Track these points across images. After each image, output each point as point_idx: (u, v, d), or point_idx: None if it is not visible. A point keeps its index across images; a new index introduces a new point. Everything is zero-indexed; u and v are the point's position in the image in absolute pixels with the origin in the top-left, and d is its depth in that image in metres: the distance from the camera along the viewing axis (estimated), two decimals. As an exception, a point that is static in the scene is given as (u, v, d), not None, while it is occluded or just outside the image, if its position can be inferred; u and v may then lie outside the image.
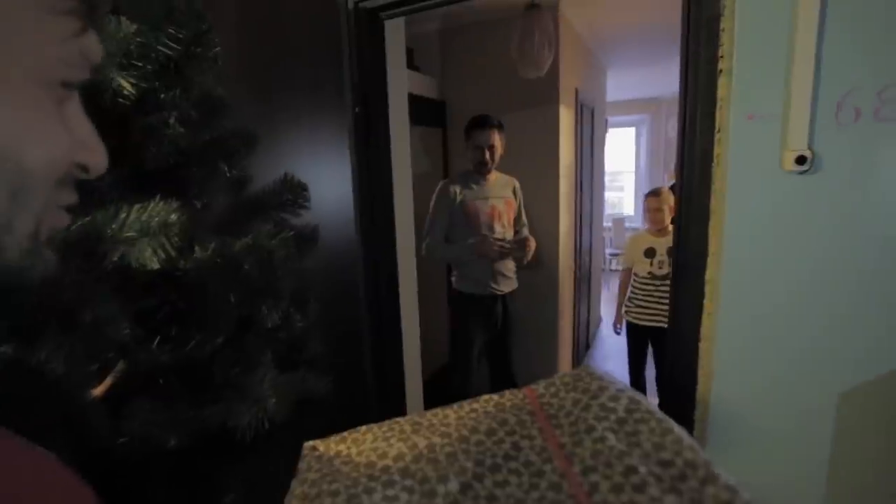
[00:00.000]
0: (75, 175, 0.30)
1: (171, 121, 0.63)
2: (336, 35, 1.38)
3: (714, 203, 1.02)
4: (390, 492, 0.40)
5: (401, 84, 1.62)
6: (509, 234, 2.24)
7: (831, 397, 0.92)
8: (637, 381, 2.71)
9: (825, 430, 0.95)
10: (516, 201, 2.31)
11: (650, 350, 2.55)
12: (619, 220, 6.37)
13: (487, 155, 2.12)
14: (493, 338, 2.30)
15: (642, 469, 0.36)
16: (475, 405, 0.51)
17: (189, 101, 0.67)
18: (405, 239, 1.64)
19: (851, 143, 0.86)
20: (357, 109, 1.40)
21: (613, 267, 6.31)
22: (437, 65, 2.88)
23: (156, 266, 0.57)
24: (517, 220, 2.33)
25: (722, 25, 0.96)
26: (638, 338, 2.57)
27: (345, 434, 0.54)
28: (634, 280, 2.53)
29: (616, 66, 4.15)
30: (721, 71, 0.98)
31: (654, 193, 2.46)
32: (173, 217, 0.59)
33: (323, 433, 0.75)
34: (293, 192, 0.89)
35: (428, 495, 0.39)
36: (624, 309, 2.62)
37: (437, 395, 2.59)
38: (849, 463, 0.94)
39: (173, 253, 0.57)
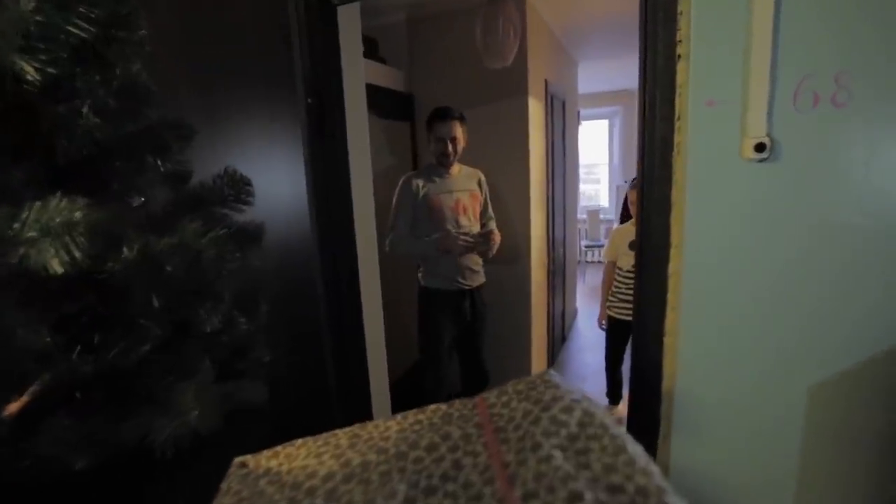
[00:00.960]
0: None
1: (85, 110, 0.55)
2: (285, 22, 1.31)
3: (675, 193, 0.99)
4: None
5: (357, 74, 1.55)
6: (476, 228, 2.21)
7: (798, 389, 0.91)
8: (613, 376, 2.70)
9: (793, 423, 0.93)
10: (482, 194, 2.27)
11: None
12: (593, 212, 6.40)
13: (450, 147, 2.08)
14: (463, 333, 2.27)
15: (588, 496, 0.31)
16: (421, 416, 0.47)
17: (108, 90, 0.60)
18: (366, 234, 1.58)
19: (810, 130, 0.83)
20: (309, 100, 1.33)
21: (589, 259, 6.34)
22: (404, 57, 2.81)
23: (59, 269, 0.50)
24: (483, 213, 2.29)
25: (679, 8, 0.93)
26: (619, 332, 2.53)
27: (278, 448, 0.49)
28: (618, 274, 2.49)
29: (587, 58, 4.14)
30: (680, 56, 0.94)
31: (635, 186, 2.42)
32: (77, 215, 0.52)
33: (267, 445, 0.69)
34: (235, 187, 0.82)
35: None
36: (607, 303, 2.57)
37: (411, 393, 2.55)
38: (818, 455, 0.92)
39: (78, 254, 0.51)
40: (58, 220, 0.50)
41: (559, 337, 3.78)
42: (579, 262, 5.68)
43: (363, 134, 1.58)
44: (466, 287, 2.20)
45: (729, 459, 1.02)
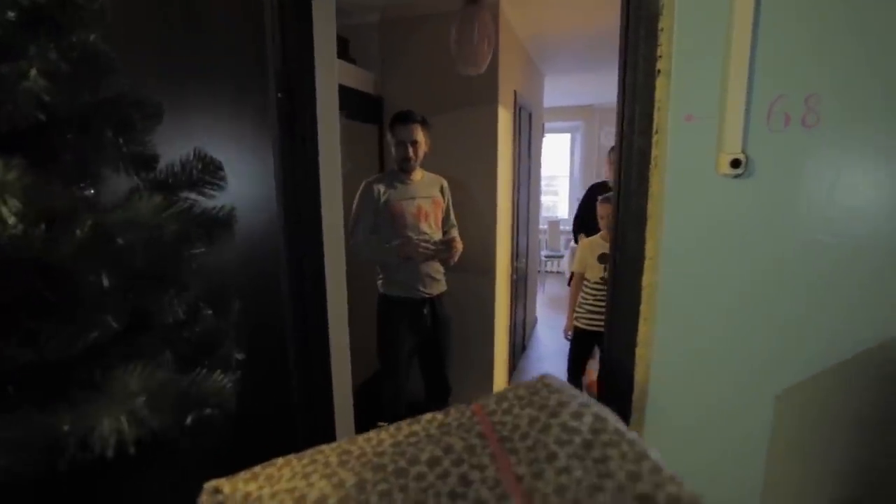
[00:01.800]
0: None
1: (33, 73, 0.48)
2: (259, 10, 1.25)
3: (651, 206, 1.00)
4: None
5: (331, 72, 1.50)
6: (437, 235, 2.18)
7: (766, 398, 0.93)
8: (575, 384, 2.74)
9: (762, 431, 0.95)
10: (444, 201, 2.25)
11: (593, 355, 2.58)
12: (554, 223, 6.53)
13: (411, 151, 2.05)
14: (423, 342, 2.23)
15: None
16: (416, 427, 0.43)
17: (62, 56, 0.53)
18: (333, 236, 1.52)
19: (781, 149, 0.86)
20: (280, 95, 1.27)
21: (549, 269, 6.46)
22: (375, 59, 2.76)
23: None
24: (445, 220, 2.27)
25: (661, 25, 0.95)
26: (584, 343, 2.58)
27: (256, 469, 0.43)
28: (585, 285, 2.53)
29: (553, 72, 4.23)
30: (660, 71, 0.96)
31: (608, 200, 2.46)
32: (11, 176, 0.44)
33: (228, 454, 0.63)
34: (206, 170, 0.75)
35: None
36: (574, 314, 2.60)
37: (370, 403, 2.48)
38: (785, 462, 0.95)
39: (11, 220, 0.43)
40: None
41: (520, 346, 3.81)
42: (539, 271, 5.78)
43: (334, 134, 1.53)
44: (426, 295, 2.17)
45: (698, 468, 1.04)
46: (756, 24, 0.84)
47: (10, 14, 0.50)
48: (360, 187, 2.12)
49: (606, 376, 1.16)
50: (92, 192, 0.55)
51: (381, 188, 2.09)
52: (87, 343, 0.50)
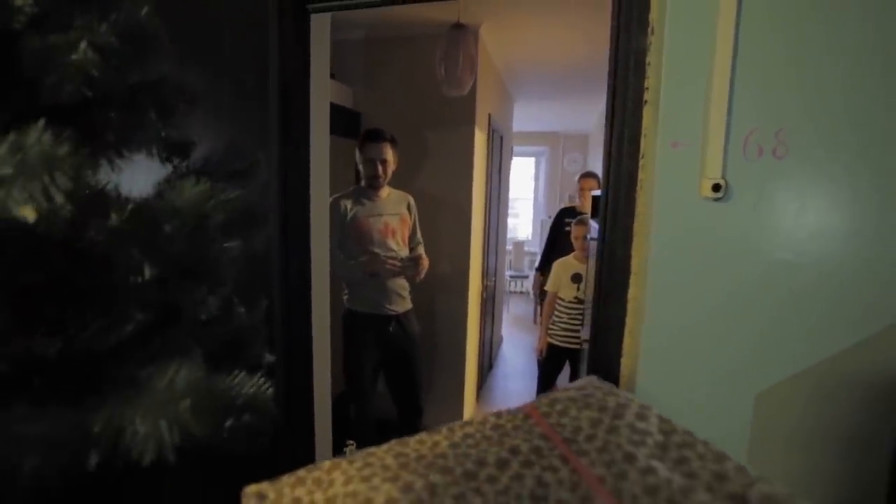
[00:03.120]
0: None
1: (83, 45, 0.45)
2: (263, 20, 1.26)
3: (636, 225, 1.07)
4: None
5: (323, 85, 1.52)
6: (404, 252, 2.21)
7: (746, 399, 1.00)
8: None
9: (742, 432, 1.02)
10: (411, 218, 2.29)
11: (562, 372, 2.64)
12: (519, 244, 6.68)
13: (380, 169, 2.09)
14: (390, 360, 2.23)
15: None
16: (468, 429, 0.42)
17: (111, 29, 0.49)
18: (320, 248, 1.52)
19: (755, 176, 0.95)
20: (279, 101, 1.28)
21: (513, 288, 6.57)
22: (355, 75, 2.80)
23: (31, 218, 0.38)
24: (412, 237, 2.30)
25: (648, 59, 1.03)
26: (557, 359, 2.65)
27: (301, 473, 0.41)
28: (559, 304, 2.61)
29: (523, 97, 4.40)
30: (646, 101, 1.04)
31: (581, 222, 2.56)
32: (63, 150, 0.39)
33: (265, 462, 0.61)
34: (242, 161, 0.72)
35: None
36: (548, 332, 2.67)
37: (337, 421, 2.43)
38: (765, 460, 1.02)
39: (59, 199, 0.40)
40: (35, 151, 0.39)
41: (487, 364, 3.84)
42: (505, 291, 5.87)
43: (324, 147, 1.54)
44: (392, 312, 2.17)
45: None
46: (734, 63, 0.93)
47: None
48: (328, 203, 2.12)
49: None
50: (132, 171, 0.53)
51: (349, 204, 2.11)
52: (120, 336, 0.49)
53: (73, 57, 0.45)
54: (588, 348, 1.24)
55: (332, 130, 2.66)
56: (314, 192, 1.45)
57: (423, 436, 0.43)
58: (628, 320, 1.10)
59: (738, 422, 1.01)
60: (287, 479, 0.41)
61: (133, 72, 0.50)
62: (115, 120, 0.50)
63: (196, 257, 0.51)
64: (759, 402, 0.99)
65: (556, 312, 2.63)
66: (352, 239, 2.10)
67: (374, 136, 2.07)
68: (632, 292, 1.09)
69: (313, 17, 1.39)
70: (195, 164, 0.65)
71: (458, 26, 2.04)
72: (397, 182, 2.29)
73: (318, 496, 0.38)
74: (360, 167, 2.14)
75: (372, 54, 2.77)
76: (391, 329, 2.18)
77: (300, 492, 0.39)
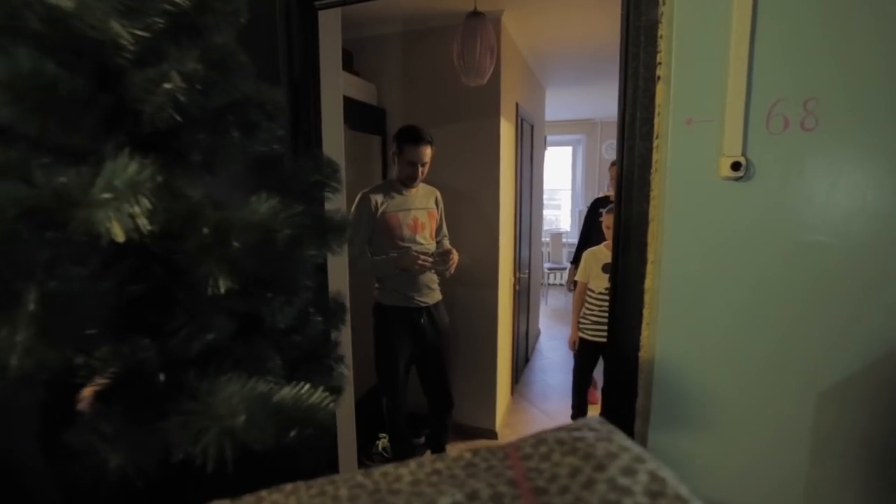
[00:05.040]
0: None
1: (173, 75, 0.47)
2: (272, 19, 1.27)
3: (653, 210, 1.01)
4: None
5: (335, 82, 1.53)
6: (432, 246, 2.21)
7: (779, 403, 0.92)
8: (581, 398, 2.71)
9: (777, 437, 0.94)
10: (438, 212, 2.29)
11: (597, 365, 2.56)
12: (557, 235, 6.54)
13: (420, 171, 2.09)
14: (421, 352, 2.23)
15: None
16: (440, 464, 0.39)
17: (198, 58, 0.52)
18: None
19: (781, 152, 0.87)
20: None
21: (551, 281, 6.45)
22: (378, 71, 2.81)
23: (121, 236, 0.41)
24: (438, 230, 2.30)
25: (660, 32, 0.96)
26: (589, 354, 2.56)
27: (263, 494, 0.39)
28: (589, 296, 2.52)
29: (554, 85, 4.28)
30: (659, 77, 0.97)
31: (612, 211, 2.46)
32: (145, 174, 0.42)
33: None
34: (323, 172, 0.72)
35: None
36: (578, 325, 2.59)
37: (370, 415, 2.46)
38: (786, 468, 0.94)
39: (145, 222, 0.42)
40: (124, 179, 0.41)
41: (523, 358, 3.79)
42: (542, 284, 5.77)
43: (339, 145, 1.54)
44: (422, 304, 2.18)
45: (705, 476, 1.02)
46: (754, 30, 0.85)
47: (159, 21, 0.49)
48: (357, 198, 2.13)
49: (609, 383, 1.16)
50: (214, 187, 0.55)
51: (379, 199, 2.11)
52: (204, 344, 0.50)
53: (166, 86, 0.47)
54: (606, 342, 1.18)
55: (357, 127, 2.68)
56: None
57: (390, 467, 0.40)
58: (646, 312, 1.04)
59: (775, 428, 0.93)
60: (248, 499, 0.40)
61: (217, 96, 0.52)
62: (202, 142, 0.52)
63: (268, 269, 0.52)
64: (799, 401, 0.91)
65: (586, 304, 2.54)
66: (381, 234, 2.11)
67: (416, 139, 2.06)
68: (648, 282, 1.03)
69: (321, 13, 1.39)
70: (278, 173, 0.66)
71: (475, 14, 2.00)
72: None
73: None
74: (397, 167, 2.14)
75: (394, 50, 2.77)
76: (422, 321, 2.18)
77: None
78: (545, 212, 7.19)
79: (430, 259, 2.08)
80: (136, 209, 0.40)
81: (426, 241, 2.19)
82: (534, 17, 2.62)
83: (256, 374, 0.52)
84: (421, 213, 2.18)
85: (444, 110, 2.70)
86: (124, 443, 0.47)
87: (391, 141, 2.25)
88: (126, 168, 0.42)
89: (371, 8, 2.24)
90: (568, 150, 7.11)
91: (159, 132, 0.48)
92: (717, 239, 0.92)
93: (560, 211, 7.49)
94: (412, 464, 0.40)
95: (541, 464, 0.35)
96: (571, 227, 7.15)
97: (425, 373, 2.30)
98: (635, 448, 0.33)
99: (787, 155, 0.87)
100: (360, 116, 2.64)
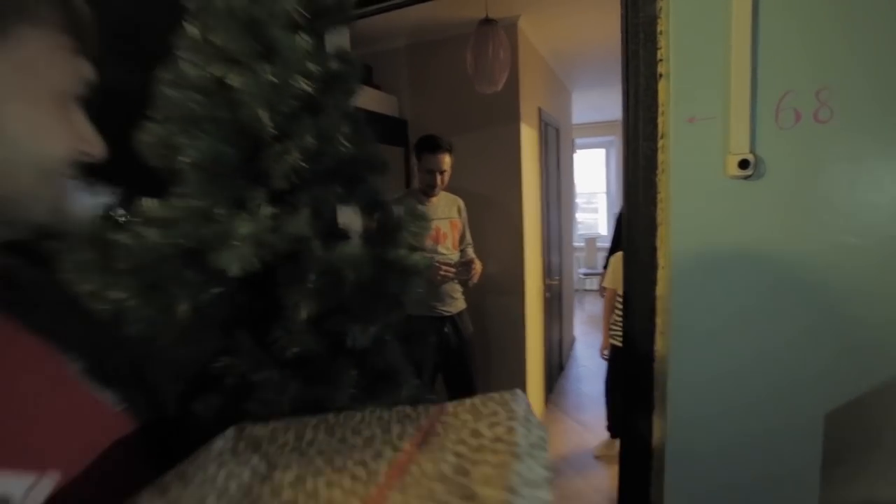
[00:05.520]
0: (80, 159, 0.42)
1: (294, 151, 0.59)
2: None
3: (660, 213, 0.97)
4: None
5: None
6: (455, 256, 2.20)
7: (797, 414, 0.86)
8: (615, 406, 2.62)
9: (789, 447, 0.88)
10: (461, 221, 2.27)
11: None
12: (591, 240, 6.39)
13: (438, 179, 2.09)
14: (446, 361, 2.22)
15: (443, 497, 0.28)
16: (386, 413, 0.45)
17: (315, 132, 0.62)
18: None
19: (793, 147, 0.81)
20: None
21: (587, 287, 6.29)
22: (398, 83, 2.84)
23: (237, 273, 0.54)
24: (461, 239, 2.28)
25: (660, 28, 0.93)
26: (619, 362, 2.48)
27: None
28: (619, 301, 2.45)
29: (580, 87, 4.21)
30: (661, 75, 0.94)
31: None
32: (264, 224, 0.56)
33: None
34: (416, 225, 0.79)
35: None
36: (609, 332, 2.52)
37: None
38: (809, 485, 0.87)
39: (255, 262, 0.54)
40: (247, 231, 0.54)
41: (556, 366, 3.70)
42: (577, 290, 5.64)
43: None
44: (446, 313, 2.17)
45: (723, 491, 0.96)
46: (756, 19, 0.81)
47: (294, 103, 0.59)
48: None
49: (625, 395, 1.11)
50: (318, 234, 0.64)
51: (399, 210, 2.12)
52: (293, 355, 0.57)
53: (287, 158, 0.57)
54: (622, 352, 1.14)
55: (379, 139, 2.72)
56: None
57: (352, 411, 0.46)
58: (658, 321, 0.99)
59: (786, 438, 0.86)
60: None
61: (327, 159, 0.61)
62: (315, 195, 0.62)
63: (351, 301, 0.60)
64: (816, 422, 0.84)
65: (616, 310, 2.46)
66: None
67: (433, 147, 2.07)
68: (660, 289, 0.98)
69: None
70: (379, 220, 0.75)
71: (487, 21, 1.99)
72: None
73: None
74: (419, 175, 2.16)
75: (412, 61, 2.80)
76: (445, 330, 2.18)
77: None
78: (582, 216, 7.05)
79: (452, 270, 2.08)
80: (251, 252, 0.54)
81: (448, 251, 2.18)
82: (552, 20, 2.59)
83: (336, 385, 0.60)
84: (443, 222, 2.18)
85: (464, 118, 2.70)
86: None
87: (412, 151, 2.27)
88: (254, 220, 0.56)
89: (384, 22, 2.27)
90: (601, 152, 6.96)
91: (284, 189, 0.60)
92: (727, 241, 0.87)
93: (598, 214, 7.33)
94: (367, 410, 0.46)
95: (450, 418, 0.40)
96: (608, 231, 6.97)
97: (451, 382, 2.29)
98: (519, 412, 0.37)
99: (801, 150, 0.81)
100: (382, 129, 2.68)
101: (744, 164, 0.83)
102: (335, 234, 0.67)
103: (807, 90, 0.80)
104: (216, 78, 0.58)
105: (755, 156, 0.82)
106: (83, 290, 0.50)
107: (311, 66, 0.60)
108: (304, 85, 0.60)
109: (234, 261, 0.54)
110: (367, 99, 2.52)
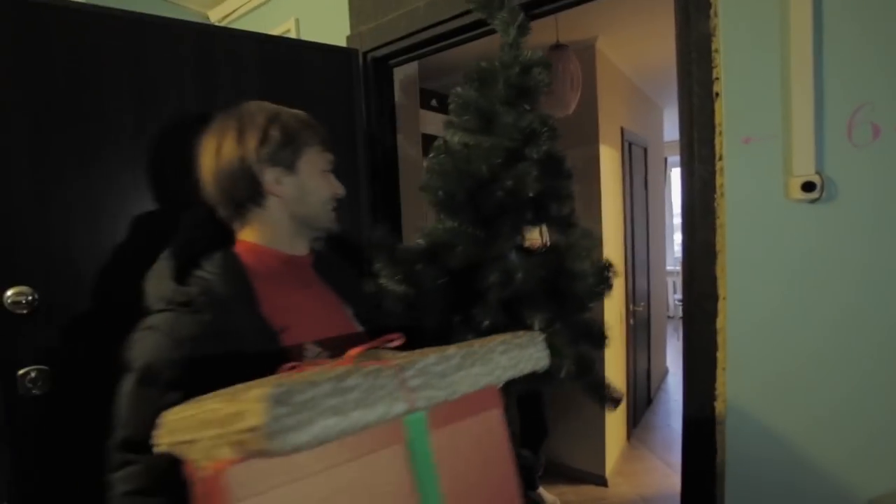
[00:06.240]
0: (336, 198, 0.77)
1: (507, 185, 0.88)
2: (347, 78, 1.42)
3: (720, 240, 0.90)
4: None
5: (414, 123, 1.65)
6: None
7: (859, 462, 0.74)
8: None
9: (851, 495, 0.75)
10: (542, 242, 2.23)
11: None
12: (689, 264, 5.90)
13: None
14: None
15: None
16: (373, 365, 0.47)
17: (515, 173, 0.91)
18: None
19: (871, 165, 0.72)
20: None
21: (681, 314, 5.81)
22: (476, 110, 2.91)
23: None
24: None
25: (714, 46, 0.88)
26: None
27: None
28: None
29: (672, 104, 3.98)
30: (718, 94, 0.88)
31: None
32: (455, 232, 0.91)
33: None
34: (603, 278, 1.00)
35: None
36: None
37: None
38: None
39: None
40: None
41: (643, 399, 3.45)
42: (671, 317, 5.24)
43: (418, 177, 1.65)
44: None
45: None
46: (819, 24, 0.74)
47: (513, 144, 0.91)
48: None
49: (686, 435, 1.02)
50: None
51: None
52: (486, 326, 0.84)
53: (505, 187, 0.88)
54: (683, 387, 1.05)
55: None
56: (408, 224, 1.55)
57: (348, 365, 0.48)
58: (719, 356, 0.91)
59: (846, 485, 0.74)
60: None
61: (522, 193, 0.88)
62: (518, 218, 0.92)
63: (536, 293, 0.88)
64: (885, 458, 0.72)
65: None
66: None
67: None
68: (721, 321, 0.91)
69: (396, 69, 1.52)
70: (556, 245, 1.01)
71: (557, 46, 1.99)
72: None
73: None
74: None
75: (489, 88, 2.86)
76: None
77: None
78: (677, 236, 6.57)
79: None
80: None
81: None
82: (632, 39, 2.52)
83: None
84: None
85: (540, 142, 2.69)
86: None
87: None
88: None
89: (455, 56, 2.37)
90: (701, 169, 6.46)
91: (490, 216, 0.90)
92: (792, 271, 0.79)
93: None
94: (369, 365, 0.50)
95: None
96: (709, 253, 6.40)
97: (521, 402, 2.24)
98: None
99: (882, 168, 0.72)
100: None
101: (808, 186, 0.75)
102: (520, 247, 0.96)
103: (887, 101, 0.71)
104: (461, 143, 0.93)
105: (822, 177, 0.74)
106: (377, 273, 0.86)
107: (516, 131, 0.91)
108: (510, 144, 0.90)
109: (455, 261, 0.85)
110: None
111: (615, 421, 2.84)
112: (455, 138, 0.93)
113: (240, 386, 0.44)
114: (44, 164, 0.98)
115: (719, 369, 0.92)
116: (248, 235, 0.71)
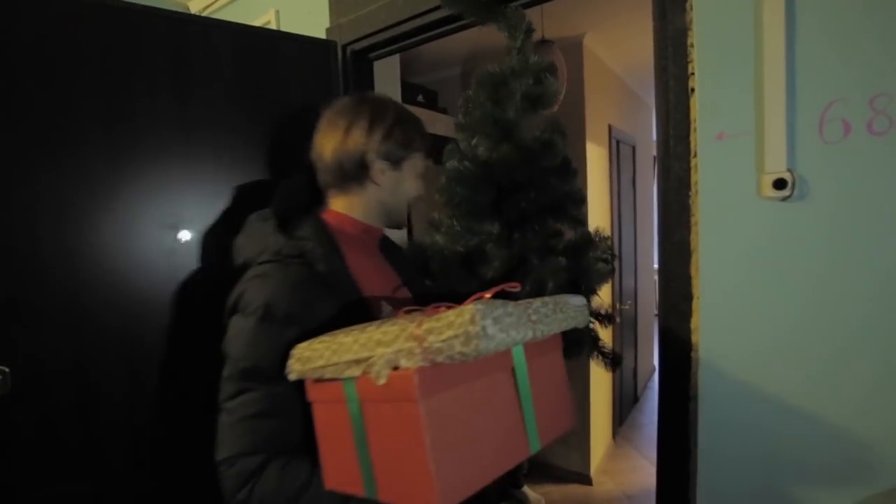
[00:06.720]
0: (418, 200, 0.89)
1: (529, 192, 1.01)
2: (327, 72, 1.40)
3: (694, 238, 0.89)
4: None
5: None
6: None
7: (833, 460, 0.73)
8: None
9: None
10: None
11: None
12: (678, 263, 5.93)
13: None
14: None
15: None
16: (388, 324, 0.55)
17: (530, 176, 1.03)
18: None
19: (842, 163, 0.71)
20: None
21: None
22: (463, 106, 2.90)
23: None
24: None
25: (690, 40, 0.87)
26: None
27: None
28: None
29: (661, 101, 3.98)
30: (693, 90, 0.87)
31: None
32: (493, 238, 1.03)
33: None
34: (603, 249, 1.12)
35: None
36: None
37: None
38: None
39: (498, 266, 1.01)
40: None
41: (629, 397, 3.47)
42: (658, 315, 5.24)
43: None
44: None
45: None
46: (791, 21, 0.72)
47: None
48: None
49: (662, 436, 1.01)
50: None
51: None
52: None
53: (526, 196, 1.01)
54: (658, 387, 1.04)
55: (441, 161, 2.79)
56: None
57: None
58: (693, 356, 0.91)
59: (824, 481, 0.73)
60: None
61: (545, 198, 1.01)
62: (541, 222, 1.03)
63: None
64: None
65: None
66: None
67: None
68: (695, 321, 0.90)
69: (377, 63, 1.50)
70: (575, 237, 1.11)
71: (542, 42, 1.97)
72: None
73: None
74: None
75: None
76: None
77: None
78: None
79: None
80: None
81: None
82: (621, 36, 2.51)
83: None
84: None
85: (527, 139, 2.68)
86: None
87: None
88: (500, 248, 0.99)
89: (442, 49, 2.34)
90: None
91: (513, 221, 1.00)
92: (763, 271, 0.78)
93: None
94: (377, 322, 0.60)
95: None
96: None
97: None
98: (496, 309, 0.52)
99: (852, 166, 0.71)
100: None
101: (780, 183, 0.74)
102: (542, 248, 1.03)
103: (858, 98, 0.70)
104: (480, 150, 1.01)
105: (794, 174, 0.73)
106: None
107: (531, 140, 1.00)
108: (528, 152, 0.97)
109: (489, 272, 0.97)
110: (433, 122, 2.59)
111: (600, 419, 2.84)
112: (474, 146, 1.03)
113: (369, 324, 0.57)
114: (5, 158, 0.95)
115: (692, 369, 0.91)
116: (339, 205, 0.82)
